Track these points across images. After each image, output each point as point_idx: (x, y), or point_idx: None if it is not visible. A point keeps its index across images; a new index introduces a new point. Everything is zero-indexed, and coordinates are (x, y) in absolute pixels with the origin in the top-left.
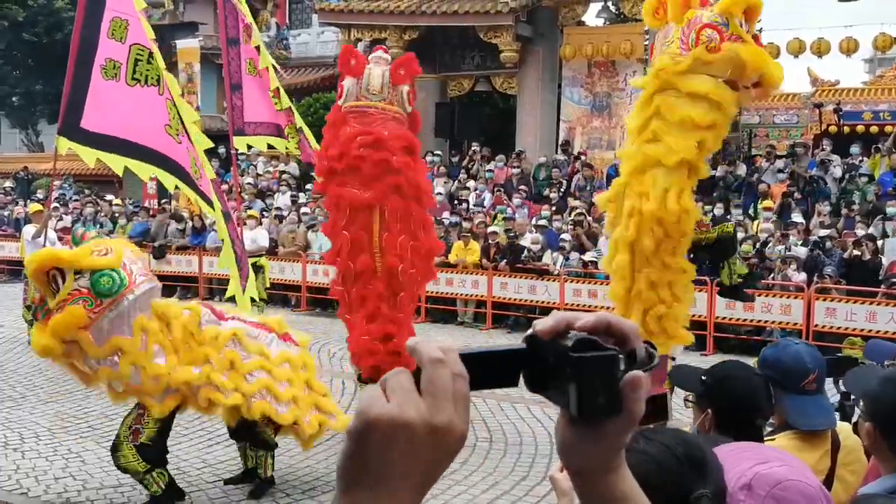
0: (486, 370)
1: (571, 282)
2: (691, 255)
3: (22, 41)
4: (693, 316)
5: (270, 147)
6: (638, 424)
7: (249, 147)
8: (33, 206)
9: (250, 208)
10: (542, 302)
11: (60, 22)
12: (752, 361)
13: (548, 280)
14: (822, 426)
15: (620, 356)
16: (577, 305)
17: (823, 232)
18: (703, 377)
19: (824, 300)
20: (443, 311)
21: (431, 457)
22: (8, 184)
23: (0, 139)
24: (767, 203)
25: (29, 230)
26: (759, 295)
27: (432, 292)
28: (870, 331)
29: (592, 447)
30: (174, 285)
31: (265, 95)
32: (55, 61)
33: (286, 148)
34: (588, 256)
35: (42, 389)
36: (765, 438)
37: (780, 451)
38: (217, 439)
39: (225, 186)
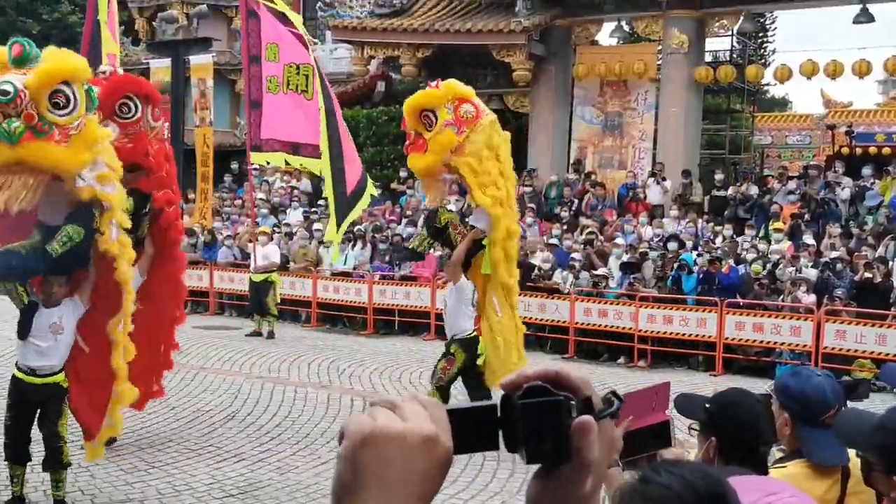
0: (463, 430)
1: (581, 301)
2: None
3: None
4: (702, 336)
5: (287, 164)
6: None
7: (268, 163)
8: None
9: (258, 225)
10: (552, 320)
11: (74, 36)
12: (761, 383)
13: (558, 299)
14: (838, 461)
15: (572, 402)
16: (587, 325)
17: (834, 254)
18: (706, 405)
19: (834, 322)
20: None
21: (425, 466)
22: None
23: None
24: (779, 224)
25: None
26: (769, 316)
27: (441, 309)
28: (879, 353)
29: (553, 498)
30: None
31: (297, 113)
32: None
33: (301, 165)
34: (601, 272)
35: None
36: (775, 465)
37: (782, 482)
38: (225, 455)
39: (238, 202)
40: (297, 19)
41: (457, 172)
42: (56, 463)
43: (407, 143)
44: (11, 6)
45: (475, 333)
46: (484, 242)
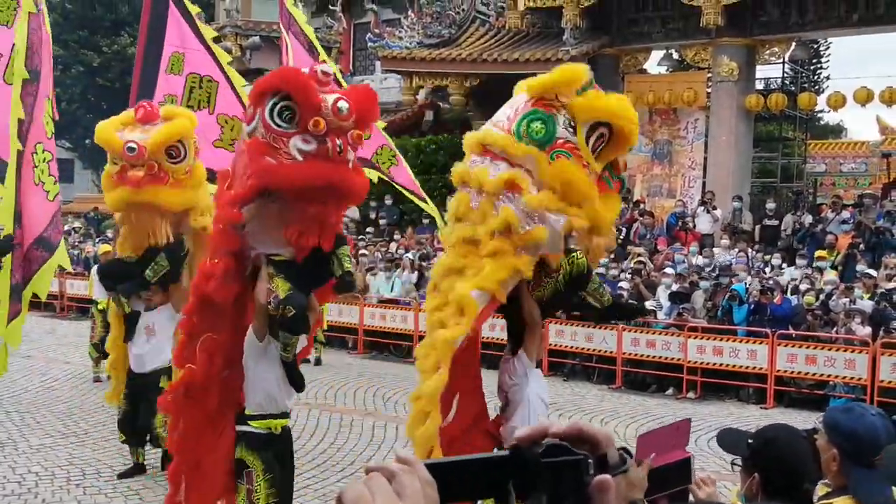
0: (470, 479)
1: (629, 331)
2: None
3: (96, 86)
4: (753, 368)
5: None
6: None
7: None
8: (103, 248)
9: None
10: (599, 350)
11: (133, 68)
12: (813, 416)
13: (605, 328)
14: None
15: (589, 461)
16: (635, 355)
17: (890, 285)
18: (749, 440)
19: (891, 355)
20: (497, 357)
21: None
22: (77, 224)
23: (73, 180)
24: (822, 253)
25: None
26: (823, 348)
27: (486, 338)
28: None
29: None
30: None
31: None
32: (126, 105)
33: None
34: (647, 305)
35: (105, 427)
36: (821, 501)
37: None
38: None
39: None
40: (322, 54)
41: None
42: None
43: (147, 174)
44: (73, 39)
45: None
46: None
